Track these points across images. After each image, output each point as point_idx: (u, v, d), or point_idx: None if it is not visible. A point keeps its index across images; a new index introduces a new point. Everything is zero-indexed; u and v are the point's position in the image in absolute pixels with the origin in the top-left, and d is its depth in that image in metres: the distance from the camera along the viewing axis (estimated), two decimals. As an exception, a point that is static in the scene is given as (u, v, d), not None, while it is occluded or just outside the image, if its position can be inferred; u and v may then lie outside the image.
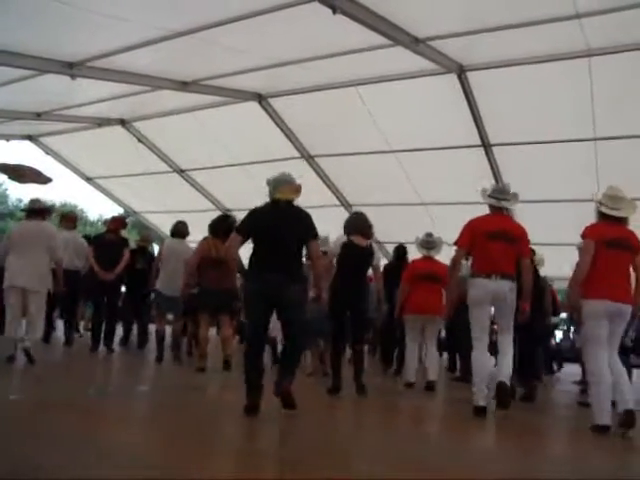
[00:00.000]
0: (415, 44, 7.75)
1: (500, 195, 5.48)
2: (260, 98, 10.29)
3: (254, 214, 4.67)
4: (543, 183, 9.97)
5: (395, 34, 7.49)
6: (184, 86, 9.55)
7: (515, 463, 3.79)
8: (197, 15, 7.32)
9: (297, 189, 4.65)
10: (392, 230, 11.54)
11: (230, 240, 4.75)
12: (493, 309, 5.48)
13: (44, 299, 6.54)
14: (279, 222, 4.51)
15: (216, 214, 13.15)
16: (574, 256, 5.24)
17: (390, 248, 12.60)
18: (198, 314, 7.47)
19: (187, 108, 10.84)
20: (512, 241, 5.32)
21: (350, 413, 5.62)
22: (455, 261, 5.47)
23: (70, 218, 9.21)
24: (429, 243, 7.19)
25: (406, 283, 7.18)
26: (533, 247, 6.71)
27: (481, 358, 5.21)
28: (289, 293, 4.41)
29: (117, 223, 9.11)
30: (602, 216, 4.93)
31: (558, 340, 19.48)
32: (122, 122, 11.95)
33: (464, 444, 4.32)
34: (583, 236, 4.89)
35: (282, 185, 4.62)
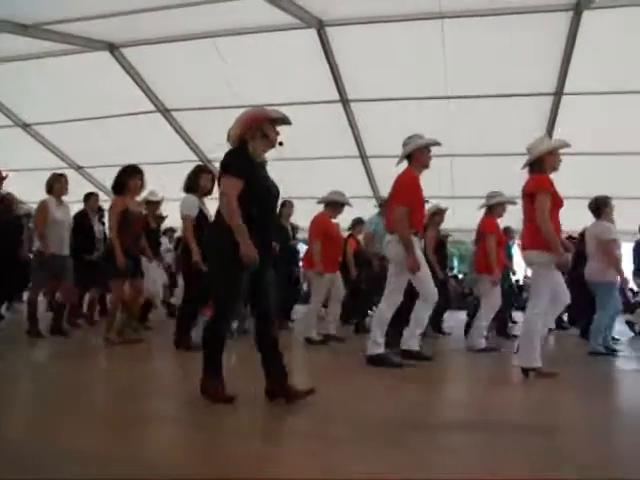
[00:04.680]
0: (271, -3, 7.64)
1: None
2: (112, 48, 9.68)
3: None
4: (398, 139, 10.30)
5: (253, -15, 7.35)
6: (24, 29, 8.74)
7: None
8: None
9: None
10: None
11: None
12: None
13: None
14: None
15: (68, 172, 12.48)
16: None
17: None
18: None
19: (30, 55, 9.88)
20: None
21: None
22: None
23: None
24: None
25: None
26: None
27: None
28: None
29: None
30: None
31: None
32: (-48, 69, 10.78)
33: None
34: None
35: None
